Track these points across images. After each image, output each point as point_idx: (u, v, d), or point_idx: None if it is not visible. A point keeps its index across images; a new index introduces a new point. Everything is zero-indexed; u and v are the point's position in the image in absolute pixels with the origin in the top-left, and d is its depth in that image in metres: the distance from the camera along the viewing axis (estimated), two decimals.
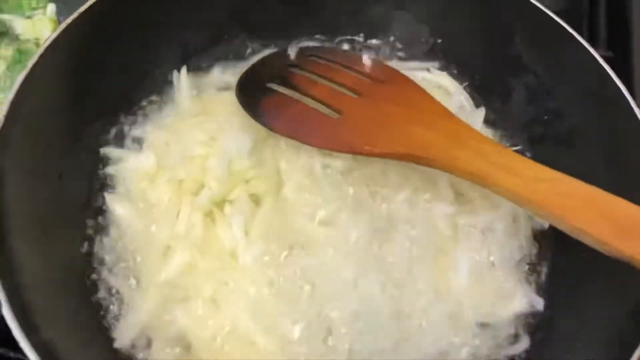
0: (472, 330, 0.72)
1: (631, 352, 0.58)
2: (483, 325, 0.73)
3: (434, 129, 0.71)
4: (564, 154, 0.80)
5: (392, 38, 0.94)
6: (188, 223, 0.75)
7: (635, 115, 0.70)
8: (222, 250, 0.74)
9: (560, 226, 0.63)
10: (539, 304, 0.75)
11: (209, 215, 0.76)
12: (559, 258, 0.78)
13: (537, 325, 0.75)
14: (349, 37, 0.95)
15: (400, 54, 0.95)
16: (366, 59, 0.87)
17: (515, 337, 0.74)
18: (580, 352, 0.67)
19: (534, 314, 0.75)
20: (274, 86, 0.83)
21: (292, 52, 0.89)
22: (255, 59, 0.91)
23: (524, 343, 0.73)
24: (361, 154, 0.75)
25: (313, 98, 0.80)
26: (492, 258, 0.77)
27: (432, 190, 0.80)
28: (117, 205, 0.77)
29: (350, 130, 0.75)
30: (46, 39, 0.69)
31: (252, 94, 0.83)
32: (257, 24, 0.90)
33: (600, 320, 0.68)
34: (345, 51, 0.93)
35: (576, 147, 0.79)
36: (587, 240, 0.60)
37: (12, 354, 0.71)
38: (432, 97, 0.77)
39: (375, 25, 0.94)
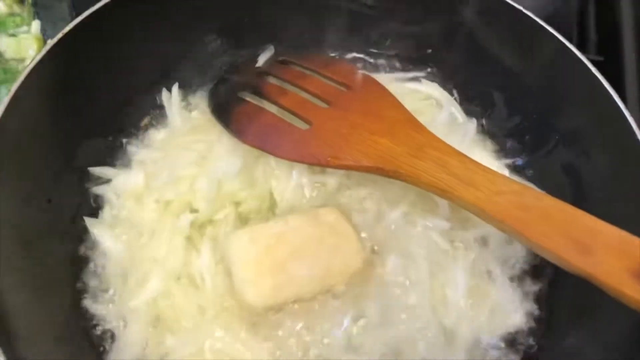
0: (467, 348, 0.71)
1: None
2: (476, 345, 0.72)
3: (399, 141, 0.71)
4: (557, 156, 0.80)
5: (382, 49, 0.94)
6: (169, 247, 0.74)
7: (626, 119, 0.69)
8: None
9: (521, 241, 0.62)
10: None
11: (189, 238, 0.75)
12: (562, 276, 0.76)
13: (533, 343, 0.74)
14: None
15: (391, 64, 0.94)
16: (336, 62, 0.87)
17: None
18: None
19: (531, 330, 0.74)
20: (246, 95, 0.83)
21: (262, 57, 0.88)
22: None
23: None
24: (327, 166, 0.74)
25: (283, 108, 0.79)
26: (489, 270, 0.77)
27: (428, 204, 0.79)
28: (98, 232, 0.76)
29: (317, 143, 0.75)
30: (31, 60, 0.69)
31: (224, 104, 0.83)
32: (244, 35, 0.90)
33: (604, 334, 0.67)
34: (314, 54, 0.91)
35: (570, 149, 0.79)
36: (547, 256, 0.59)
37: None
38: (398, 102, 0.77)
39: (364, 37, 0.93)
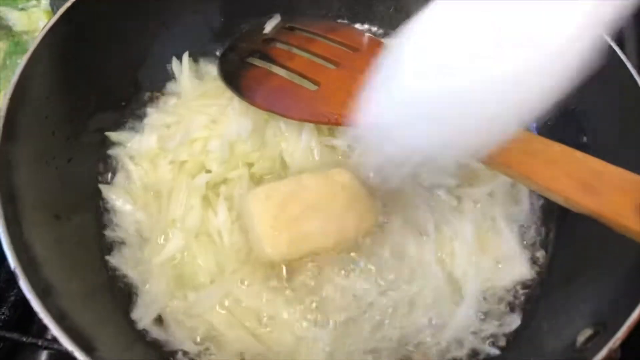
0: (474, 299, 0.73)
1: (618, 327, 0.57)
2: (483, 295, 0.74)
3: None
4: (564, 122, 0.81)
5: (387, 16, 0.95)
6: (186, 206, 0.75)
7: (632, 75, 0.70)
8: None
9: (529, 186, 0.64)
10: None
11: (205, 198, 0.77)
12: (563, 228, 0.79)
13: (530, 296, 0.75)
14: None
15: (395, 31, 0.95)
16: (343, 26, 0.88)
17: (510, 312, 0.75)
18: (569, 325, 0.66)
19: (534, 280, 0.76)
20: (254, 60, 0.84)
21: (269, 24, 0.90)
22: None
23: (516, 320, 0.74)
24: (337, 124, 0.76)
25: (291, 70, 0.81)
26: (496, 223, 0.78)
27: (434, 163, 0.81)
28: (114, 196, 0.78)
29: (326, 102, 0.76)
30: (45, 24, 0.70)
31: (233, 70, 0.84)
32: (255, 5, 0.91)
33: (600, 288, 0.68)
34: (321, 20, 0.92)
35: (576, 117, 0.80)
36: (555, 198, 0.61)
37: (24, 339, 0.72)
38: None
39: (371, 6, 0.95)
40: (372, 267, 0.75)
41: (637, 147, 0.69)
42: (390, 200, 0.79)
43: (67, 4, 0.72)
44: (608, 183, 0.59)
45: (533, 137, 0.65)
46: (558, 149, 0.63)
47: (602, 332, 0.59)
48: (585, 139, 0.78)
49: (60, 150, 0.72)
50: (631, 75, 0.70)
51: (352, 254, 0.75)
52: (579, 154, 0.62)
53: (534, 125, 0.86)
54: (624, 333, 0.56)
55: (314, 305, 0.72)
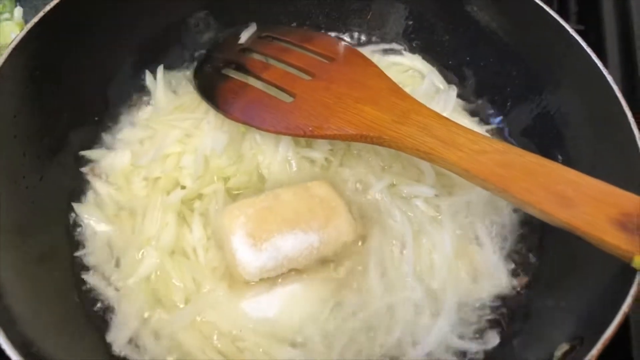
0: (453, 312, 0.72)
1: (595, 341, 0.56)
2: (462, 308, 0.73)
3: (383, 108, 0.71)
4: (538, 120, 0.81)
5: (366, 22, 0.95)
6: (161, 224, 0.74)
7: (610, 87, 0.70)
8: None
9: (505, 198, 0.63)
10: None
11: (180, 214, 0.76)
12: (544, 240, 0.78)
13: (509, 309, 0.74)
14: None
15: (374, 37, 0.95)
16: (318, 35, 0.87)
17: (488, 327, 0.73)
18: (547, 340, 0.66)
19: (515, 291, 0.75)
20: (229, 72, 0.84)
21: (245, 34, 0.88)
22: None
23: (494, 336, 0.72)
24: (312, 136, 0.75)
25: (267, 82, 0.80)
26: (475, 234, 0.78)
27: (413, 173, 0.81)
28: (87, 215, 0.76)
29: (302, 114, 0.75)
30: (12, 40, 0.68)
31: (209, 82, 0.84)
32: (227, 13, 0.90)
33: (585, 294, 0.67)
34: (297, 29, 0.92)
35: (551, 115, 0.80)
36: (531, 211, 0.61)
37: None
38: (381, 72, 0.78)
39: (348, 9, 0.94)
40: (352, 281, 0.74)
41: (614, 158, 0.68)
42: (368, 211, 0.79)
43: (35, 19, 0.70)
44: (583, 195, 0.58)
45: (508, 148, 0.65)
46: (533, 160, 0.63)
47: (579, 347, 0.58)
48: (560, 150, 0.77)
49: (31, 169, 0.71)
50: (610, 86, 0.69)
51: (330, 268, 0.74)
52: (553, 164, 0.62)
53: (507, 130, 0.86)
54: (601, 347, 0.55)
55: (292, 322, 0.71)
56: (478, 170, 0.63)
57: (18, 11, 0.97)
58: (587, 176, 0.59)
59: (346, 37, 0.95)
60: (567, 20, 0.77)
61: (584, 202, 0.58)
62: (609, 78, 0.70)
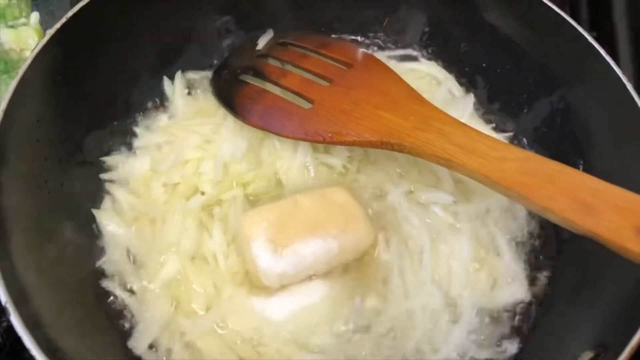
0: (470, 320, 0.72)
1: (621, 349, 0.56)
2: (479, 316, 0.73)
3: (403, 114, 0.72)
4: (556, 128, 0.81)
5: (382, 28, 0.95)
6: (181, 229, 0.74)
7: (628, 92, 0.70)
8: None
9: (526, 205, 0.63)
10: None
11: (200, 220, 0.76)
12: (563, 247, 0.78)
13: (529, 316, 0.74)
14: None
15: (390, 44, 0.95)
16: (336, 41, 0.88)
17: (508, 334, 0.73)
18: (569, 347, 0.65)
19: (532, 302, 0.75)
20: (247, 78, 0.84)
21: (262, 40, 0.89)
22: None
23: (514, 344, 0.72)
24: (332, 143, 0.75)
25: (285, 88, 0.80)
26: (494, 242, 0.78)
27: (431, 180, 0.81)
28: (106, 220, 0.76)
29: (321, 120, 0.75)
30: (35, 45, 0.69)
31: (227, 88, 0.84)
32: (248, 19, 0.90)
33: (600, 310, 0.67)
34: (314, 35, 0.91)
35: (569, 121, 0.80)
36: (552, 219, 0.61)
37: None
38: (399, 78, 0.78)
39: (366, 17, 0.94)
40: (370, 288, 0.74)
41: (634, 164, 0.68)
42: (386, 218, 0.79)
43: (57, 25, 0.70)
44: (606, 202, 0.58)
45: (529, 156, 0.65)
46: (554, 167, 0.63)
47: (604, 355, 0.58)
48: (579, 157, 0.77)
49: (52, 174, 0.71)
50: (628, 92, 0.69)
51: (349, 274, 0.74)
52: (575, 172, 0.62)
53: (525, 140, 0.86)
54: (627, 355, 0.55)
55: (311, 328, 0.71)
56: (499, 177, 0.63)
57: (34, 16, 0.97)
58: (609, 184, 0.59)
59: (362, 43, 0.95)
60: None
61: (606, 210, 0.58)
62: (627, 84, 0.70)
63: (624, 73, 0.93)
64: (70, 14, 0.71)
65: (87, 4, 0.72)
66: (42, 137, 0.70)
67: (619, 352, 0.55)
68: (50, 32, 0.70)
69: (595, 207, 0.58)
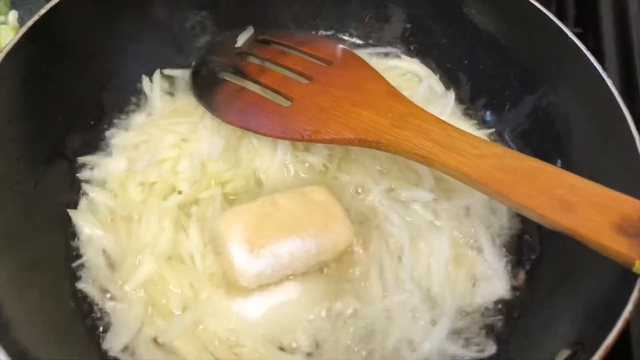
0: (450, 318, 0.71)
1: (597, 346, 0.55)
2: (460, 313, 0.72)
3: (381, 112, 0.71)
4: (537, 124, 0.81)
5: (363, 25, 0.94)
6: (157, 229, 0.73)
7: (609, 90, 0.69)
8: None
9: (505, 203, 0.63)
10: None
11: (177, 220, 0.75)
12: (543, 245, 0.77)
13: (509, 314, 0.73)
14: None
15: (371, 41, 0.94)
16: (316, 38, 0.87)
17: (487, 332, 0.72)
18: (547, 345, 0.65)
19: (513, 298, 0.74)
20: (226, 75, 0.83)
21: (242, 37, 0.88)
22: None
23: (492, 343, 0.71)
24: (310, 140, 0.74)
25: (264, 85, 0.80)
26: (474, 239, 0.77)
27: (412, 178, 0.80)
28: (81, 221, 0.75)
29: (300, 119, 0.75)
30: (6, 44, 0.68)
31: (206, 86, 0.83)
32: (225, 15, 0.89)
33: (584, 301, 0.66)
34: (294, 32, 0.91)
35: (550, 119, 0.79)
36: (530, 216, 0.60)
37: None
38: (379, 76, 0.77)
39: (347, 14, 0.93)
40: (349, 286, 0.73)
41: (614, 161, 0.67)
42: (366, 216, 0.78)
43: (29, 23, 0.70)
44: (584, 199, 0.58)
45: (507, 152, 0.65)
46: (533, 164, 0.62)
47: (581, 353, 0.57)
48: (559, 154, 0.77)
49: (26, 175, 0.70)
50: (609, 89, 0.69)
51: (328, 273, 0.74)
52: (553, 168, 0.61)
53: (508, 137, 0.86)
54: (603, 353, 0.55)
55: (290, 329, 0.70)
56: (478, 174, 0.62)
57: (13, 15, 0.96)
58: (587, 180, 0.59)
59: (344, 41, 0.94)
60: (565, 23, 0.77)
61: (584, 207, 0.57)
62: (608, 81, 0.69)
63: (608, 69, 0.94)
64: (42, 11, 0.71)
65: (59, 2, 0.71)
66: (14, 137, 0.69)
67: (594, 350, 0.54)
68: (22, 29, 0.69)
69: (572, 204, 0.58)
